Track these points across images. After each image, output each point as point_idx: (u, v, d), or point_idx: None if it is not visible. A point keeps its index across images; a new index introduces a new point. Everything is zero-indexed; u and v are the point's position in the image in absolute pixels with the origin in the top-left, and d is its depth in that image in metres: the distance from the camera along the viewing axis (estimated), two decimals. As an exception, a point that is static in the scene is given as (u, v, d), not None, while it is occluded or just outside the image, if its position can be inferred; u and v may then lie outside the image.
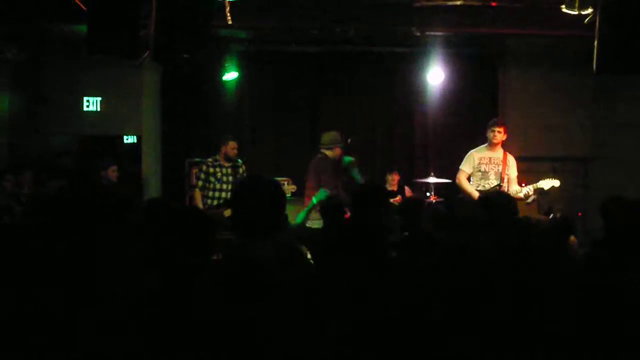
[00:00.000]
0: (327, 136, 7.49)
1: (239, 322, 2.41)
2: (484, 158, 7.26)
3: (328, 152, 7.38)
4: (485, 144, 7.29)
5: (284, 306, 2.48)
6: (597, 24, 6.06)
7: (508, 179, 7.24)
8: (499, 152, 7.26)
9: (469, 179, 7.33)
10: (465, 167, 7.32)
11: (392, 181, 9.25)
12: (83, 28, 5.62)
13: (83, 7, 5.72)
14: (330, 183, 7.10)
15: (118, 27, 5.35)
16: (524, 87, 9.62)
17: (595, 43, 6.05)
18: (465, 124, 9.73)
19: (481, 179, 7.24)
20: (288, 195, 8.15)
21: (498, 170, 7.20)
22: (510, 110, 9.63)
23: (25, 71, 8.70)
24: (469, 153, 7.38)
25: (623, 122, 9.41)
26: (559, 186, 7.10)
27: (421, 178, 9.00)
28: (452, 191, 8.57)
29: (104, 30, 5.35)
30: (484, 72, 9.82)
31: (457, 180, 7.36)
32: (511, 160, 7.31)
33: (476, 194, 7.07)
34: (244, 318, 2.41)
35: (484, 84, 9.82)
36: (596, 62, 6.08)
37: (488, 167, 7.24)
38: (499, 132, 7.17)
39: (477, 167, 7.25)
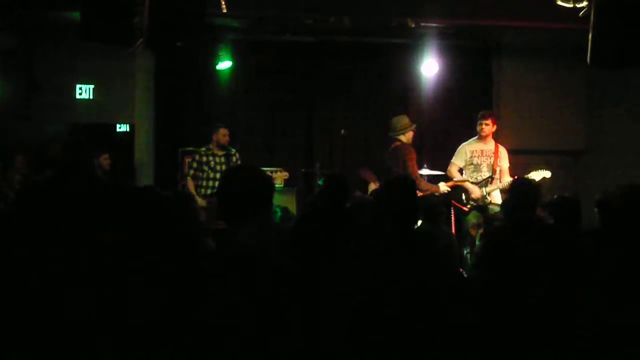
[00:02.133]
0: (397, 120, 7.14)
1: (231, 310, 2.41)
2: (476, 151, 7.32)
3: (402, 138, 7.08)
4: (476, 137, 7.35)
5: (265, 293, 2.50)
6: (591, 17, 6.06)
7: (500, 170, 7.29)
8: (490, 144, 7.31)
9: (460, 172, 7.39)
10: (457, 160, 7.45)
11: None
12: (76, 15, 5.58)
13: (76, -7, 5.68)
14: (415, 172, 6.94)
15: (111, 14, 5.31)
16: (518, 80, 9.63)
17: (590, 36, 6.05)
18: (459, 115, 9.72)
19: (474, 171, 7.32)
20: (281, 183, 8.18)
21: (490, 162, 7.26)
22: (504, 102, 9.65)
23: (17, 58, 8.64)
24: (460, 146, 7.46)
25: (616, 116, 9.43)
26: (550, 177, 7.13)
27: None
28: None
29: (97, 17, 5.31)
30: (478, 64, 9.83)
31: (448, 172, 7.48)
32: (503, 152, 7.35)
33: (468, 184, 7.23)
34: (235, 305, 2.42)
35: (478, 76, 9.83)
36: (590, 55, 6.08)
37: (480, 160, 7.30)
38: (486, 124, 7.25)
39: (469, 160, 7.32)
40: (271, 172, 8.04)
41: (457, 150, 7.47)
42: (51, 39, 8.58)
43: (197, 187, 7.74)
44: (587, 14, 6.30)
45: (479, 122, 7.30)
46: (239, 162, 7.89)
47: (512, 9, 7.74)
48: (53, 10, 7.59)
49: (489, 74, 9.81)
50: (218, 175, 7.69)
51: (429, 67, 9.05)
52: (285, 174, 8.26)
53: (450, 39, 9.13)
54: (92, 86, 8.98)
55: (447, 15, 8.00)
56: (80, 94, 8.99)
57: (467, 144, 7.42)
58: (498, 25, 8.38)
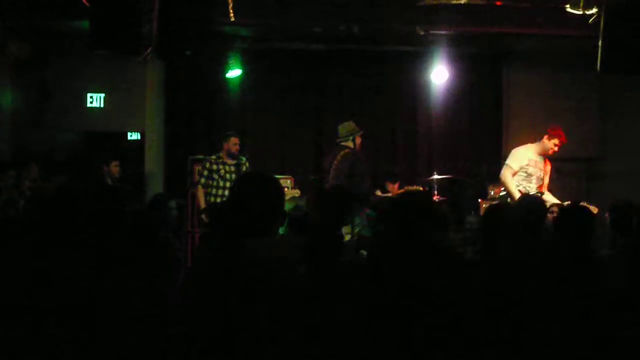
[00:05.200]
0: (344, 127, 7.36)
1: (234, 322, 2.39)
2: (532, 160, 7.05)
3: (350, 144, 7.25)
4: (536, 144, 7.12)
5: (277, 306, 2.46)
6: (601, 23, 6.03)
7: (543, 184, 7.14)
8: (542, 157, 7.15)
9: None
10: (514, 163, 7.01)
11: (392, 190, 9.13)
12: (86, 24, 5.62)
13: (86, 2, 5.72)
14: (365, 179, 6.99)
15: (120, 23, 5.34)
16: (528, 87, 9.59)
17: (600, 43, 6.02)
18: (469, 123, 9.71)
19: (524, 180, 7.02)
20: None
21: (540, 175, 7.02)
22: (514, 109, 9.62)
23: (28, 67, 8.70)
24: (518, 150, 7.14)
25: (627, 123, 9.37)
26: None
27: (424, 177, 8.97)
28: (456, 190, 8.56)
29: (106, 26, 5.35)
30: (488, 71, 9.80)
31: (502, 177, 7.04)
32: (549, 167, 7.19)
33: (517, 195, 6.76)
34: (239, 317, 2.39)
35: (488, 84, 9.80)
36: (600, 62, 6.05)
37: (533, 170, 7.04)
38: (558, 146, 7.04)
39: (524, 168, 7.01)
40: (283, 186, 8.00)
41: (513, 153, 7.07)
42: (62, 48, 8.64)
43: (206, 195, 7.74)
44: (597, 21, 6.28)
45: (552, 142, 6.99)
46: (248, 170, 7.88)
47: (521, 16, 7.71)
48: (63, 19, 7.64)
49: (499, 81, 9.77)
50: (228, 184, 7.68)
51: (439, 74, 9.03)
52: (296, 192, 8.27)
53: (460, 47, 9.10)
54: (102, 95, 9.03)
55: (457, 23, 7.98)
56: (91, 102, 9.04)
57: (525, 150, 7.08)
58: (508, 32, 8.34)
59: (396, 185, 9.09)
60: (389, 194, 8.80)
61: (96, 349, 2.43)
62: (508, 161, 7.07)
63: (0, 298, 2.61)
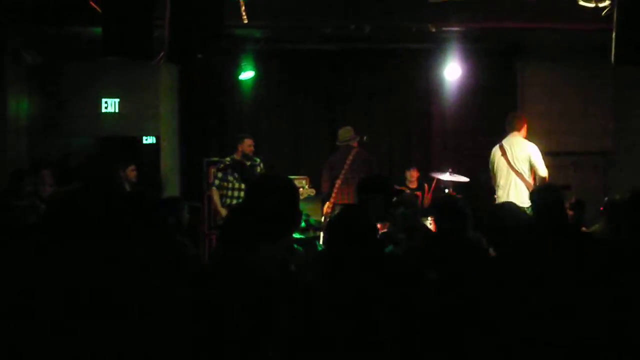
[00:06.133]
0: (346, 131, 7.76)
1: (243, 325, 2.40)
2: None
3: (355, 145, 7.72)
4: (523, 133, 7.27)
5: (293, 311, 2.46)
6: (614, 15, 5.98)
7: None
8: None
9: None
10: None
11: (412, 178, 9.20)
12: (98, 30, 5.65)
13: (98, 9, 5.77)
14: None
15: (132, 29, 5.37)
16: (542, 82, 9.53)
17: (613, 35, 5.97)
18: (484, 119, 9.65)
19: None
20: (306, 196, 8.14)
21: None
22: (529, 105, 9.54)
23: (43, 74, 8.78)
24: (532, 143, 7.20)
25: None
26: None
27: (439, 174, 8.94)
28: (471, 187, 8.53)
29: (119, 32, 5.38)
30: (501, 67, 9.73)
31: (547, 174, 7.09)
32: None
33: None
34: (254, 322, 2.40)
35: (501, 79, 9.74)
36: (614, 53, 6.00)
37: None
38: None
39: None
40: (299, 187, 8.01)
41: (536, 149, 7.14)
42: (76, 54, 8.70)
43: (221, 197, 7.77)
44: (609, 13, 6.23)
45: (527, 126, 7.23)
46: (263, 172, 7.91)
47: (533, 10, 7.66)
48: (76, 26, 7.69)
49: (513, 77, 9.72)
50: (243, 186, 7.71)
51: (452, 71, 9.01)
52: (312, 191, 8.27)
53: (473, 43, 9.07)
54: (117, 100, 9.07)
55: (468, 19, 7.93)
56: (106, 107, 9.08)
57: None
58: (520, 27, 8.29)
59: (415, 172, 9.12)
60: (407, 186, 8.87)
61: (105, 350, 2.45)
62: (540, 159, 7.08)
63: (16, 301, 2.63)
